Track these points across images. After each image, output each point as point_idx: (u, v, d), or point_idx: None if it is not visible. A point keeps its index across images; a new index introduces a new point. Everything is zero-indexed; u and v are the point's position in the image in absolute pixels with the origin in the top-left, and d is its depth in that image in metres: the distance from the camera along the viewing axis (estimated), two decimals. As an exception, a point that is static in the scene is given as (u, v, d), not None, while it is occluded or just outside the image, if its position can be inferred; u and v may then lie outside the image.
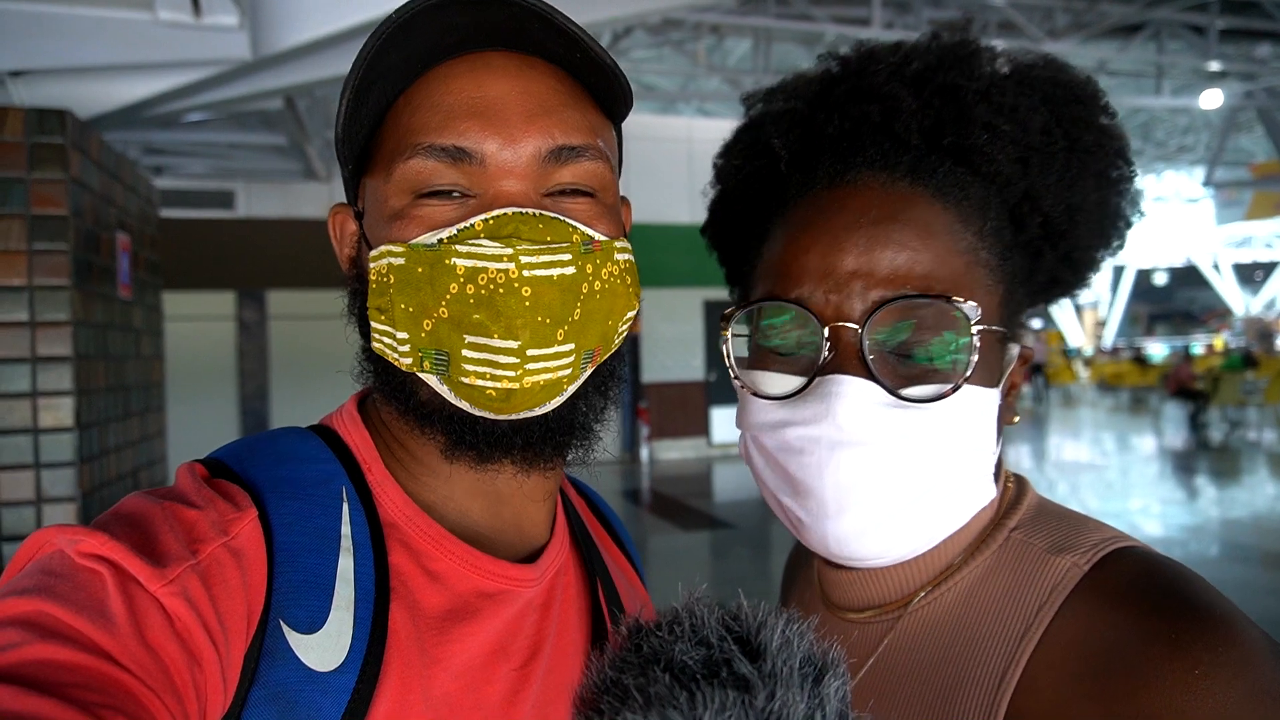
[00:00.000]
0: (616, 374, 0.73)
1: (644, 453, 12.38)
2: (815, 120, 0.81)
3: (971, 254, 0.74)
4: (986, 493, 0.76)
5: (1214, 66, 11.99)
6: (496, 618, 0.69)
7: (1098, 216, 0.80)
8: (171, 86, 3.28)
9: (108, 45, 2.95)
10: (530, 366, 0.63)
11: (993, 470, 0.77)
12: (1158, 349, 29.79)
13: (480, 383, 0.64)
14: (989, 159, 0.75)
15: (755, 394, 0.77)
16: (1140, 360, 23.28)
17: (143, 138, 6.37)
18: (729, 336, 0.81)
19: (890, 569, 0.77)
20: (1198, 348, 26.26)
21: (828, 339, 0.71)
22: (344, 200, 0.76)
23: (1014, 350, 0.78)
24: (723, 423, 13.41)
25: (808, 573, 0.93)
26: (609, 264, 0.68)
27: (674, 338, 12.84)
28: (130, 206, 3.66)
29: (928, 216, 0.73)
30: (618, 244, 0.70)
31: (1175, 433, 15.38)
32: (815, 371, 0.72)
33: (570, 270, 0.64)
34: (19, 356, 2.91)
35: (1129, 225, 0.84)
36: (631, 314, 0.72)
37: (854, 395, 0.70)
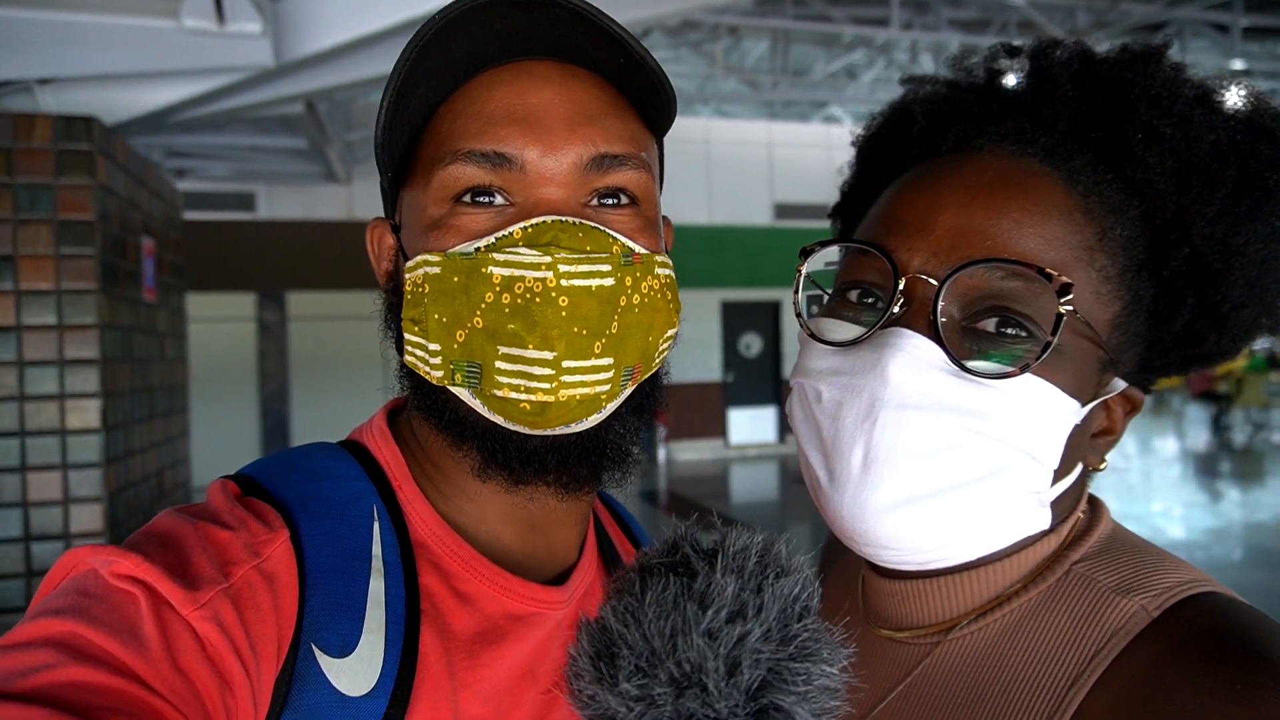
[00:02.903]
0: (654, 396, 0.71)
1: (661, 454, 12.39)
2: (963, 98, 0.76)
3: (1086, 251, 0.66)
4: (1036, 520, 0.68)
5: (1238, 65, 11.84)
6: (526, 641, 0.68)
7: (1259, 274, 0.69)
8: (196, 93, 3.32)
9: (134, 53, 2.99)
10: (566, 379, 0.62)
11: (1051, 500, 0.68)
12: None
13: (514, 395, 0.62)
14: (1139, 163, 0.68)
15: (815, 337, 0.72)
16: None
17: (166, 141, 6.44)
18: (802, 273, 0.75)
19: (936, 589, 0.71)
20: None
21: (901, 291, 0.66)
22: (364, 204, 0.76)
23: (1117, 384, 0.70)
24: (740, 424, 13.39)
25: (843, 575, 0.88)
26: (649, 278, 0.66)
27: (691, 339, 12.83)
28: (155, 211, 3.71)
29: (1047, 194, 0.67)
30: (658, 258, 0.68)
31: (1198, 435, 15.21)
32: (880, 323, 0.67)
33: (609, 281, 0.62)
34: (47, 359, 2.96)
35: None
36: (672, 331, 0.70)
37: (911, 352, 0.64)
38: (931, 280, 0.65)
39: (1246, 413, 15.68)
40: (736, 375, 13.37)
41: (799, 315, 0.76)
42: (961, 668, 0.69)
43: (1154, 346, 0.72)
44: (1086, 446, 0.70)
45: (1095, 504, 0.74)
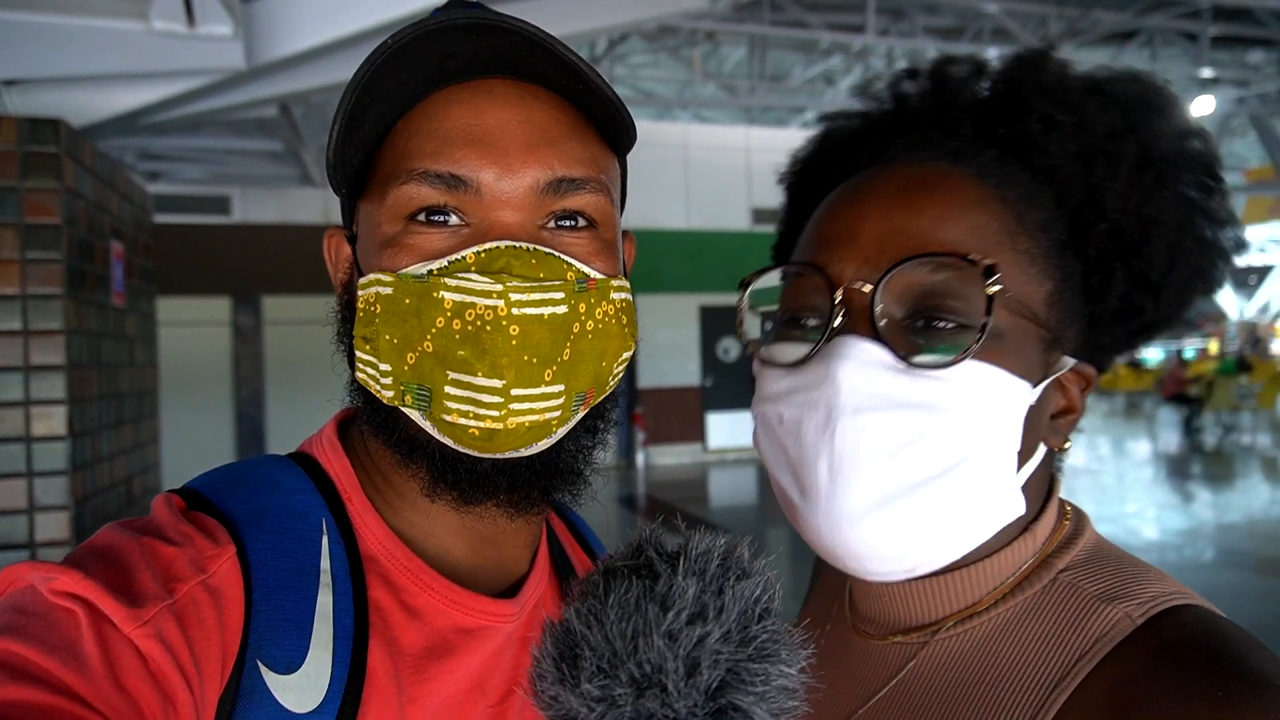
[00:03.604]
0: (608, 416, 0.71)
1: (640, 458, 12.38)
2: (873, 122, 0.80)
3: (1008, 236, 0.69)
4: (1011, 506, 0.69)
5: (1206, 73, 12.03)
6: (475, 655, 0.68)
7: (1178, 239, 0.72)
8: (166, 95, 3.28)
9: (102, 55, 2.95)
10: (515, 407, 0.61)
11: (1022, 484, 0.70)
12: (1152, 353, 29.86)
13: (463, 421, 0.62)
14: (1042, 151, 0.71)
15: (767, 363, 0.73)
16: (1134, 365, 23.35)
17: (139, 144, 6.37)
18: (744, 305, 0.77)
19: (920, 589, 0.72)
20: (1191, 352, 26.35)
21: (840, 302, 0.68)
22: (339, 212, 0.74)
23: (1066, 361, 0.71)
24: (718, 428, 13.41)
25: (831, 581, 0.89)
26: (604, 303, 0.66)
27: (670, 343, 12.84)
28: (124, 214, 3.67)
29: (961, 190, 0.69)
30: (614, 283, 0.67)
31: (1169, 437, 15.41)
32: (825, 337, 0.68)
33: (562, 309, 0.62)
34: (12, 365, 2.91)
35: (1225, 258, 0.75)
36: (627, 355, 0.70)
37: (857, 356, 0.65)
38: (866, 287, 0.67)
39: (1217, 415, 15.92)
40: (715, 379, 13.39)
41: (745, 345, 0.77)
42: (947, 670, 0.70)
43: (1097, 324, 0.75)
44: (1046, 428, 0.71)
45: (1079, 515, 0.76)
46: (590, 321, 0.64)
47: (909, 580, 0.72)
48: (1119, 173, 0.70)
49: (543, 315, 0.61)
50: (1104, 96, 0.73)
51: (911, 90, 0.80)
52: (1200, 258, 0.74)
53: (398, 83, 0.63)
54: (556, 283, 0.62)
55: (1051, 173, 0.72)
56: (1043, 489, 0.74)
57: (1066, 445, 0.73)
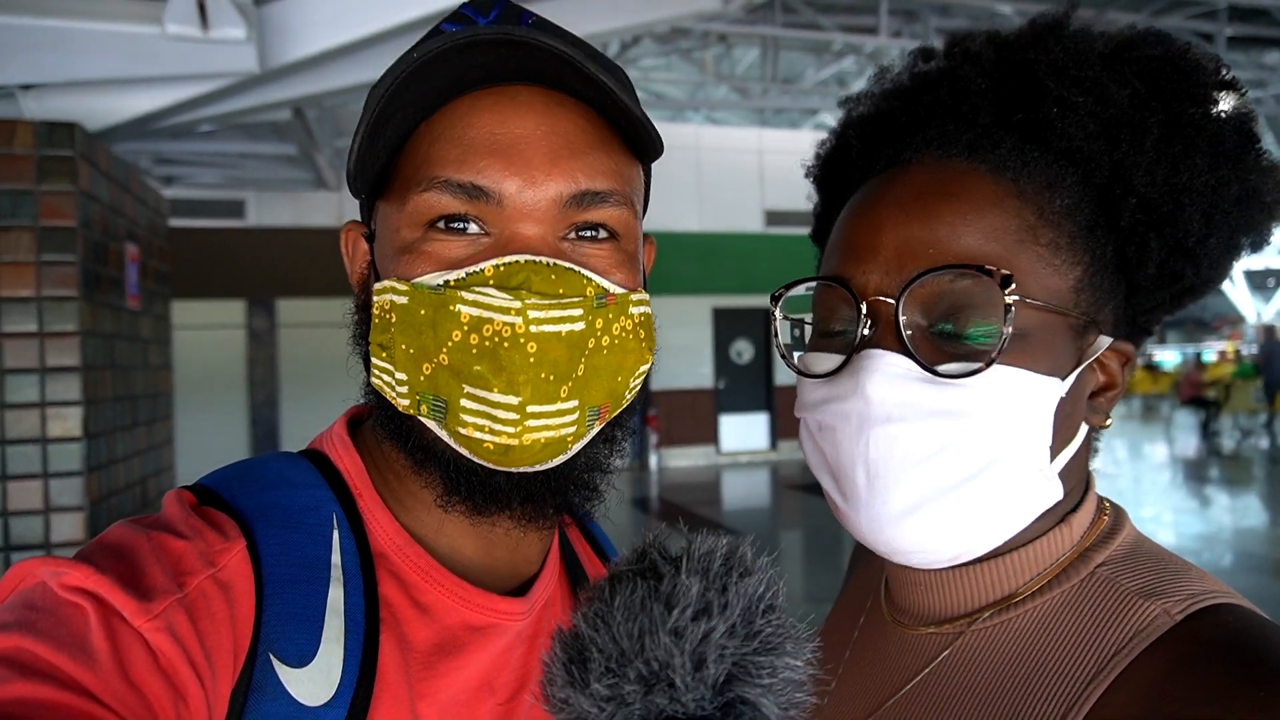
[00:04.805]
0: (625, 426, 0.71)
1: (653, 460, 12.37)
2: (889, 109, 0.79)
3: (1028, 232, 0.68)
4: (1047, 493, 0.69)
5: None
6: (484, 652, 0.68)
7: (1214, 200, 0.70)
8: (180, 99, 3.30)
9: (116, 59, 2.98)
10: (531, 424, 0.61)
11: (1060, 469, 0.70)
12: (1169, 356, 29.61)
13: (478, 435, 0.62)
14: (1061, 134, 0.70)
15: (803, 374, 0.75)
16: (1151, 368, 23.17)
17: (154, 148, 6.42)
18: (776, 318, 0.79)
19: (956, 579, 0.73)
20: (1210, 355, 26.12)
21: (866, 315, 0.69)
22: (354, 210, 0.74)
23: (1101, 341, 0.70)
24: (731, 430, 13.39)
25: (867, 574, 0.91)
26: (622, 318, 0.66)
27: (683, 345, 12.84)
28: (139, 217, 3.69)
29: (978, 191, 0.69)
30: (634, 296, 0.67)
31: (1187, 440, 15.27)
32: (854, 348, 0.69)
33: (580, 326, 0.62)
34: (28, 367, 2.94)
35: (1268, 213, 0.73)
36: (644, 368, 0.69)
37: (884, 370, 0.67)
38: (889, 300, 0.68)
39: (1235, 419, 15.76)
40: (728, 382, 13.37)
41: (784, 356, 0.79)
42: (981, 660, 0.70)
43: (1136, 292, 0.74)
44: (1085, 409, 0.72)
45: (1119, 512, 0.76)
46: (606, 337, 0.64)
47: (946, 569, 0.73)
48: (1144, 145, 0.69)
49: (560, 333, 0.61)
50: (1124, 65, 0.71)
51: (928, 71, 0.78)
52: (1240, 216, 0.72)
53: (421, 92, 0.62)
54: (575, 299, 0.62)
55: (1073, 154, 0.70)
56: (1083, 472, 0.74)
57: (1108, 422, 0.73)
